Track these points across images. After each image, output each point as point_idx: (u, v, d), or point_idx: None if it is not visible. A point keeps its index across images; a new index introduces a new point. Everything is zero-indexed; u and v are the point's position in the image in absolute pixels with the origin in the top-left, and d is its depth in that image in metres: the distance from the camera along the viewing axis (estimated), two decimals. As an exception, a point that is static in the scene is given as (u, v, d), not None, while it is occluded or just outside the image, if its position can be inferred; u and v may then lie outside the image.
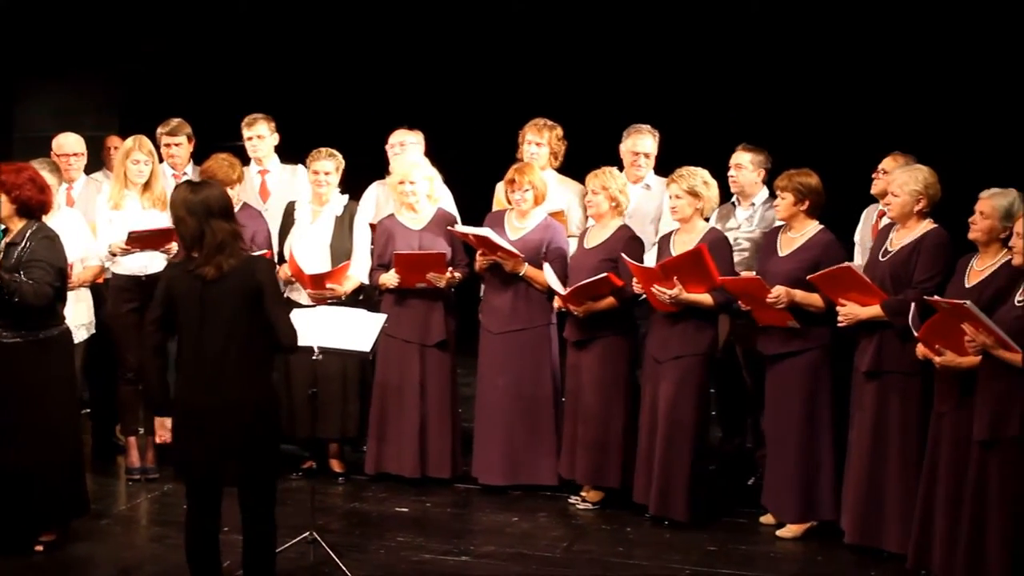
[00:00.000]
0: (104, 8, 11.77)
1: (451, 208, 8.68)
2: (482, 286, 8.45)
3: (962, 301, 6.26)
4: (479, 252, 8.28)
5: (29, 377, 6.97)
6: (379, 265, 8.45)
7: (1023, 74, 10.06)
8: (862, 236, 8.19)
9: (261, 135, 9.04)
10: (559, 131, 8.66)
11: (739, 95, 11.14)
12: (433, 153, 8.88)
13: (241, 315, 5.87)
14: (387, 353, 8.28)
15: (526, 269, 8.13)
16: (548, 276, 8.04)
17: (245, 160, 9.06)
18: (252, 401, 5.92)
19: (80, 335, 8.12)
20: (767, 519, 7.70)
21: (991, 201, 6.59)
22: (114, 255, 8.23)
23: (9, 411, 6.95)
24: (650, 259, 7.90)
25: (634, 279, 7.66)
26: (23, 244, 6.93)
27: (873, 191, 8.05)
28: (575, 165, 8.61)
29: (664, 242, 7.84)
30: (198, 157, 8.74)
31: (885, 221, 7.44)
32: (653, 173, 8.58)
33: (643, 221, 8.33)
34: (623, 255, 7.72)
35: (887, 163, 7.99)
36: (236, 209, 7.79)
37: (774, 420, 7.54)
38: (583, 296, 7.89)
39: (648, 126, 8.58)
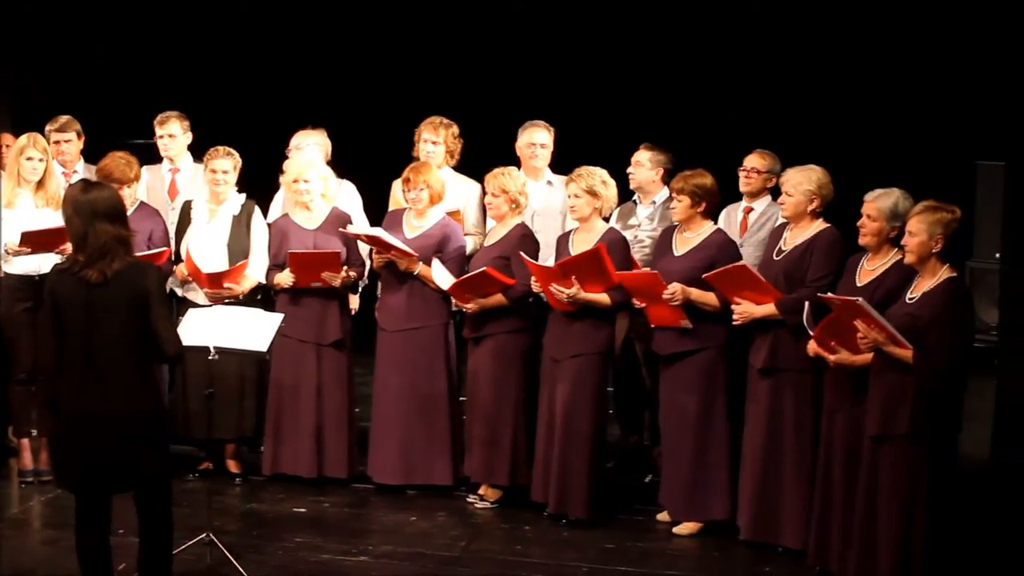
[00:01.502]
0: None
1: (354, 202, 8.66)
2: (379, 284, 8.43)
3: (855, 298, 6.37)
4: (374, 251, 8.27)
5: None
6: (274, 265, 8.40)
7: (913, 75, 10.26)
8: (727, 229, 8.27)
9: (172, 134, 8.97)
10: (455, 129, 8.66)
11: (643, 94, 11.22)
12: (334, 152, 8.84)
13: (127, 321, 5.81)
14: (283, 353, 8.23)
15: (420, 268, 8.13)
16: (435, 272, 8.05)
17: (158, 158, 8.98)
18: (137, 408, 5.86)
19: (-30, 336, 8.01)
20: (664, 516, 7.77)
21: (876, 204, 6.71)
22: (9, 254, 8.11)
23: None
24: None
25: (532, 277, 7.69)
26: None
27: (742, 189, 8.15)
28: (473, 162, 8.62)
29: (563, 241, 7.88)
30: (98, 155, 8.61)
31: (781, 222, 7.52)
32: (551, 171, 8.60)
33: (552, 217, 8.33)
34: (520, 253, 7.75)
35: (752, 160, 8.11)
36: (132, 208, 7.76)
37: (669, 419, 7.61)
38: (468, 291, 7.92)
39: (543, 121, 8.61)
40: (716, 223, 7.69)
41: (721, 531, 7.52)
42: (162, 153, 9.02)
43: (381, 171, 8.84)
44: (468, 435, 8.21)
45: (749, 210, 8.11)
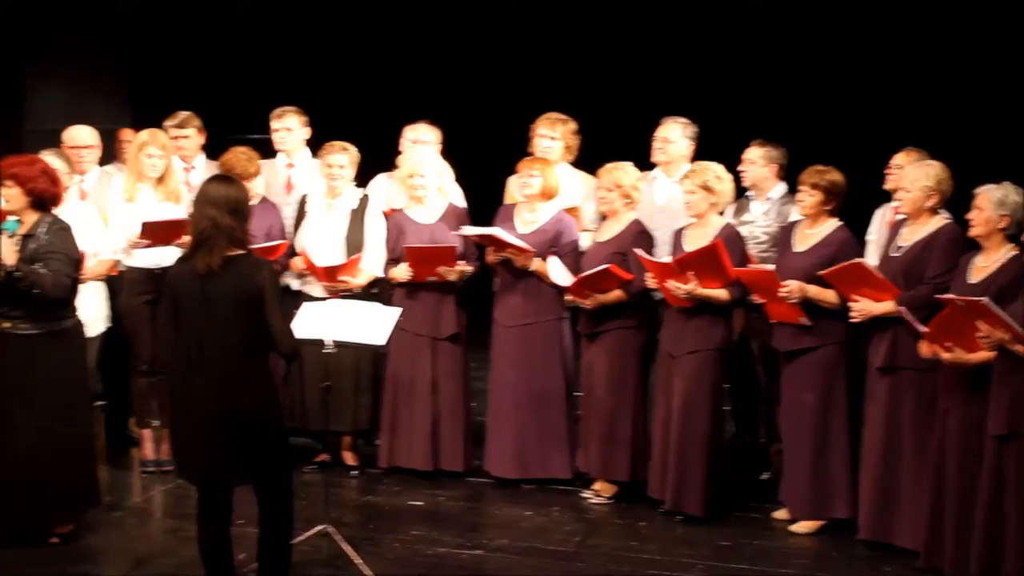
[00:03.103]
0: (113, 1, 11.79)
1: (460, 203, 8.68)
2: (496, 280, 8.44)
3: (979, 298, 6.25)
4: (489, 249, 8.28)
5: (43, 368, 6.97)
6: (390, 259, 8.45)
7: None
8: (878, 235, 8.18)
9: (289, 127, 9.01)
10: (572, 125, 8.63)
11: (756, 90, 11.15)
12: (446, 147, 8.87)
13: (239, 315, 5.88)
14: (399, 347, 8.25)
15: (536, 264, 8.13)
16: (552, 269, 8.05)
17: (274, 153, 9.08)
18: (253, 402, 5.93)
19: (95, 328, 8.15)
20: (780, 514, 7.70)
21: (986, 194, 6.61)
22: (129, 248, 8.23)
23: (24, 402, 6.97)
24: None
25: (648, 273, 7.66)
26: (39, 236, 6.94)
27: (886, 187, 8.05)
28: (592, 159, 8.60)
29: (677, 237, 7.84)
30: (217, 150, 8.71)
31: (900, 217, 7.43)
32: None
33: (676, 213, 8.27)
34: (636, 250, 7.72)
35: (899, 158, 7.99)
36: (251, 203, 7.84)
37: (789, 416, 7.54)
38: (588, 288, 7.90)
39: (683, 118, 8.53)
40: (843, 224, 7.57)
41: (839, 530, 7.43)
42: (277, 147, 9.08)
43: (496, 169, 8.85)
44: (583, 430, 8.19)
45: (897, 210, 7.95)
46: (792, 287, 7.27)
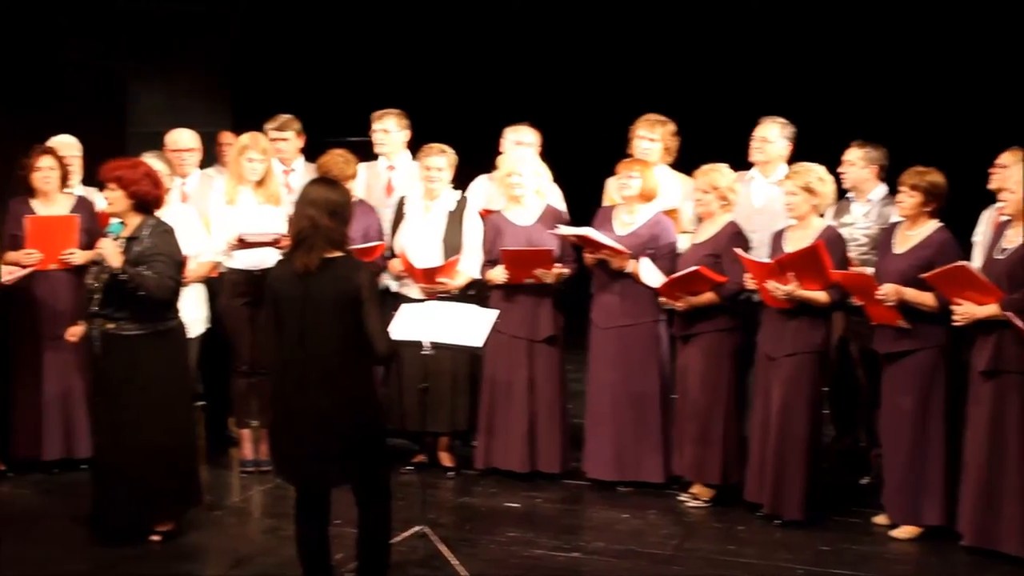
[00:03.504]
0: (218, 3, 11.90)
1: (559, 205, 8.67)
2: (593, 282, 8.41)
3: None
4: (586, 250, 8.26)
5: (147, 368, 7.05)
6: (487, 261, 8.46)
7: None
8: (984, 236, 8.04)
9: (387, 129, 9.04)
10: (672, 126, 8.60)
11: (856, 90, 11.04)
12: (546, 149, 8.87)
13: (338, 316, 5.90)
14: (496, 348, 8.24)
15: (632, 265, 8.09)
16: (643, 270, 8.01)
17: (376, 155, 9.12)
18: (352, 403, 5.95)
19: (195, 329, 8.23)
20: (881, 519, 7.61)
21: None
22: (229, 251, 8.31)
23: (128, 402, 7.05)
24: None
25: (748, 274, 7.60)
26: (143, 238, 7.02)
27: (990, 187, 7.92)
28: (688, 160, 8.55)
29: (777, 238, 7.77)
30: (316, 153, 8.77)
31: (1004, 219, 7.31)
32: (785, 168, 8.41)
33: (773, 215, 8.17)
34: (737, 250, 7.67)
35: (1005, 158, 7.84)
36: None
37: (888, 419, 7.44)
38: (679, 290, 7.86)
39: (781, 118, 8.47)
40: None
41: (942, 536, 7.32)
42: (376, 149, 9.11)
43: (595, 170, 8.83)
44: (678, 433, 8.15)
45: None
46: (888, 290, 7.18)
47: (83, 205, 8.47)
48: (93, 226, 8.20)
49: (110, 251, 6.94)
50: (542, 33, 12.22)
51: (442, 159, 8.48)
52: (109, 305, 7.03)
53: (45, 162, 8.36)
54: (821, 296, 7.43)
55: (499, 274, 8.32)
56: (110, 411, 7.12)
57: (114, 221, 7.09)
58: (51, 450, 8.46)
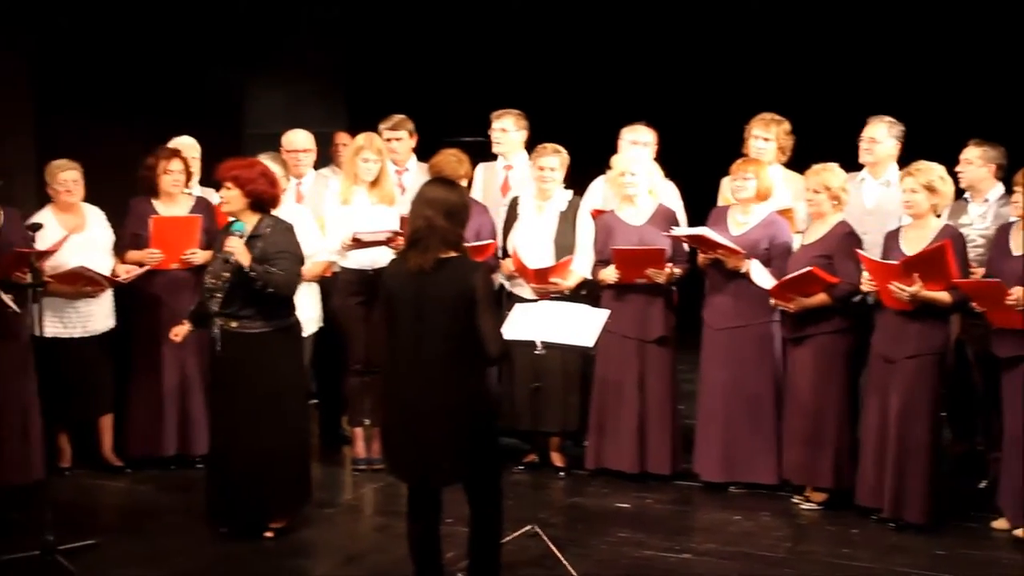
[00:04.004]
0: (333, 4, 12.01)
1: (677, 203, 8.64)
2: (706, 282, 8.37)
3: None
4: (700, 250, 8.22)
5: (267, 366, 7.15)
6: (599, 261, 8.45)
7: None
8: None
9: (505, 128, 9.07)
10: (787, 126, 8.54)
11: (969, 88, 10.87)
12: (661, 148, 8.84)
13: (452, 316, 5.91)
14: (607, 348, 8.20)
15: (746, 266, 8.04)
16: (754, 271, 7.95)
17: (494, 155, 9.17)
18: (464, 402, 5.96)
19: (309, 328, 8.30)
20: (1000, 524, 7.47)
21: None
22: (343, 250, 8.37)
23: (247, 400, 7.15)
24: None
25: (866, 274, 7.51)
26: (264, 236, 7.12)
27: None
28: (798, 160, 8.48)
29: (891, 238, 7.65)
30: (431, 153, 8.81)
31: None
32: (895, 169, 8.31)
33: (884, 216, 8.10)
34: (858, 251, 7.58)
35: None
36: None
37: (1011, 423, 7.31)
38: (791, 291, 7.78)
39: (889, 117, 8.36)
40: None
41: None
42: (494, 148, 9.14)
43: (710, 169, 8.78)
44: (787, 435, 8.07)
45: None
46: (1019, 295, 7.04)
47: (202, 205, 8.60)
48: (212, 226, 8.32)
49: (239, 249, 7.04)
50: (659, 32, 12.19)
51: (555, 159, 8.49)
52: (232, 304, 7.14)
53: (175, 165, 8.50)
54: (944, 297, 7.29)
55: (611, 274, 8.30)
56: (229, 409, 7.22)
57: (236, 220, 7.18)
58: (169, 447, 8.60)
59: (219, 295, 7.16)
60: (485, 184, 9.08)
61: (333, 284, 8.71)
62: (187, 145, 8.92)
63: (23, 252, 7.43)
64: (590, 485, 8.40)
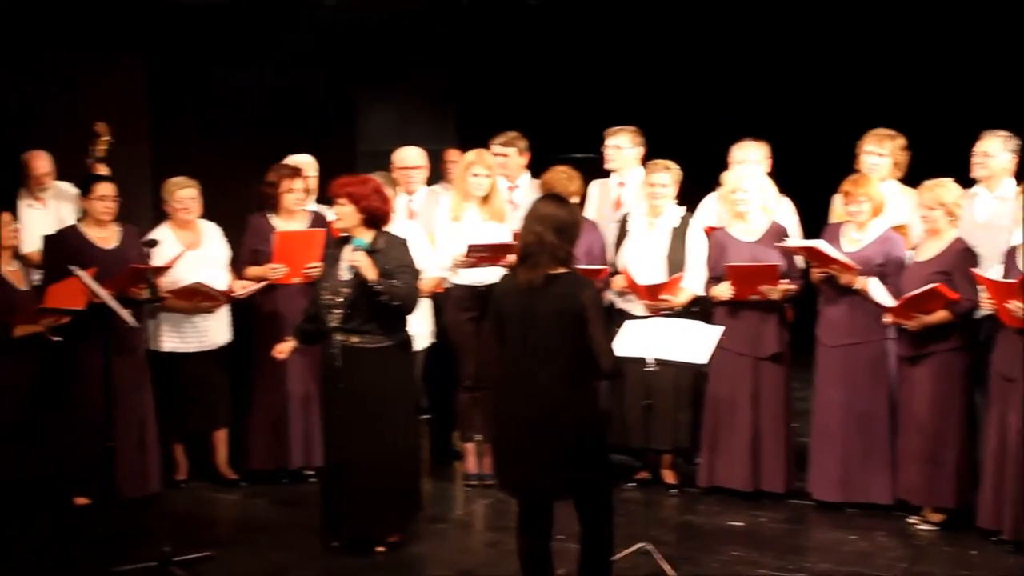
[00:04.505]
0: (444, 23, 12.07)
1: (791, 219, 8.56)
2: (820, 298, 8.28)
3: None
4: (813, 264, 8.14)
5: (383, 381, 7.21)
6: (711, 278, 8.39)
7: None
8: None
9: (619, 145, 9.05)
10: (901, 141, 8.43)
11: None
12: (773, 165, 8.77)
13: (562, 332, 5.91)
14: (720, 365, 8.17)
15: (860, 282, 7.94)
16: (873, 289, 7.85)
17: (607, 172, 9.16)
18: (576, 418, 5.95)
19: (421, 343, 8.34)
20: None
21: None
22: (455, 267, 8.40)
23: (364, 415, 7.19)
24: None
25: (984, 293, 7.38)
26: (382, 251, 7.18)
27: None
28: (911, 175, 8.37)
29: (1010, 255, 7.51)
30: (541, 169, 8.82)
31: None
32: (1012, 184, 8.15)
33: (999, 231, 7.98)
34: (974, 271, 7.46)
35: None
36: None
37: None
38: (913, 309, 7.66)
39: (1004, 132, 8.22)
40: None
41: None
42: (607, 165, 9.13)
43: (821, 185, 8.68)
44: (904, 454, 7.94)
45: None
46: None
47: (319, 221, 8.68)
48: (329, 242, 8.38)
49: (365, 264, 7.10)
50: (771, 49, 12.11)
51: (666, 175, 8.46)
52: (354, 318, 7.20)
53: (297, 183, 8.59)
54: (1065, 316, 7.15)
55: (724, 290, 8.24)
56: (344, 423, 7.26)
57: (358, 237, 7.23)
58: (288, 460, 8.69)
59: (339, 311, 7.21)
60: (598, 200, 9.06)
61: (445, 300, 8.75)
62: (306, 163, 9.01)
63: (140, 268, 7.56)
64: (702, 503, 8.34)
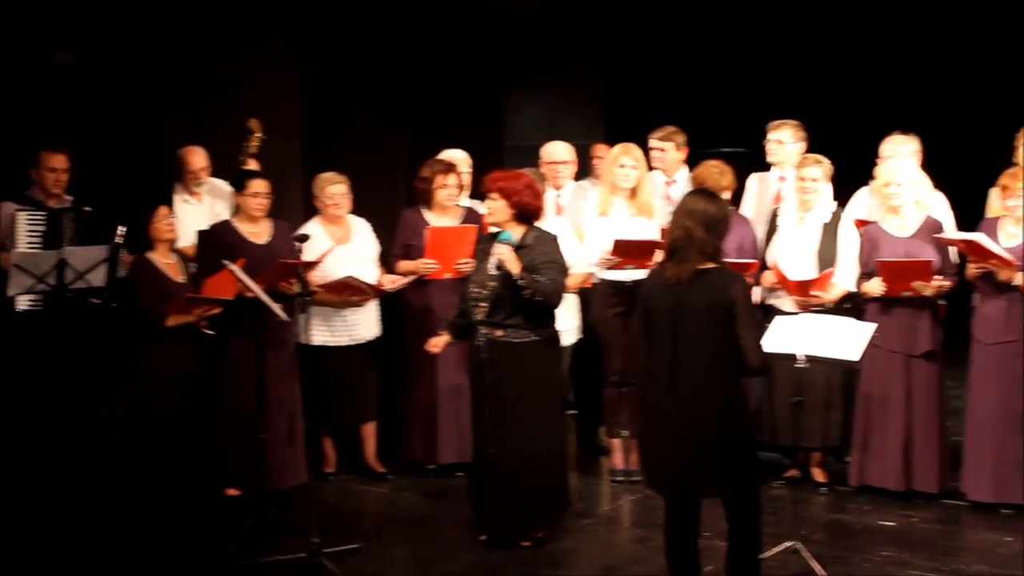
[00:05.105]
0: (594, 17, 12.06)
1: (945, 213, 8.40)
2: (975, 295, 8.11)
3: None
4: (970, 259, 7.97)
5: (530, 376, 7.23)
6: (863, 273, 8.26)
7: None
8: None
9: (781, 140, 8.92)
10: (1063, 132, 8.25)
11: None
12: (926, 158, 8.61)
13: (710, 328, 5.87)
14: (872, 363, 8.01)
15: (1020, 278, 7.75)
16: None
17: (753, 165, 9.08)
18: (724, 414, 5.90)
19: (568, 338, 8.34)
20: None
21: None
22: (603, 264, 8.37)
23: (511, 409, 7.22)
24: None
25: None
26: (531, 247, 7.19)
27: None
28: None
29: None
30: (692, 164, 8.77)
31: None
32: None
33: None
34: None
35: None
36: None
37: None
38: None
39: None
40: None
41: None
42: (769, 158, 9.02)
43: (976, 180, 8.51)
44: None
45: None
46: None
47: (472, 216, 8.72)
48: (480, 237, 8.41)
49: (509, 258, 7.14)
50: (923, 39, 11.90)
51: (817, 170, 8.35)
52: (498, 313, 7.23)
53: (451, 179, 8.65)
54: None
55: (876, 286, 8.11)
56: (493, 418, 7.29)
57: (505, 231, 7.26)
58: (441, 455, 8.75)
59: (484, 304, 7.25)
60: (757, 195, 8.97)
61: (592, 295, 8.74)
62: (460, 159, 9.05)
63: (290, 263, 7.65)
64: (853, 502, 8.22)
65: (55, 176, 8.17)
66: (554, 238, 7.34)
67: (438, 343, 7.63)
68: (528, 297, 7.10)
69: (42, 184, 8.18)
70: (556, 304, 7.24)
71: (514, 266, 7.11)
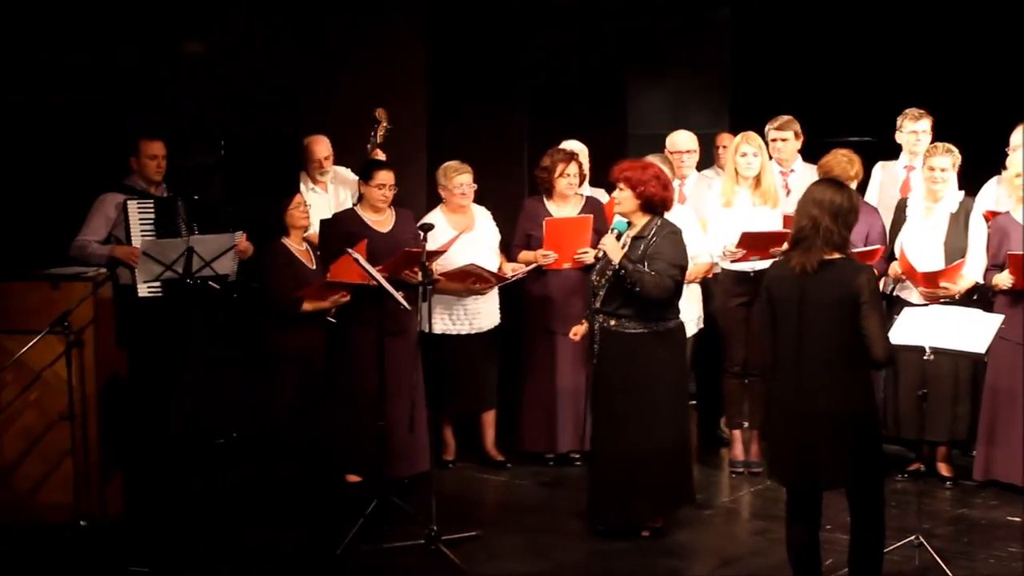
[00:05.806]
0: (719, 4, 11.98)
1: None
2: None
3: None
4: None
5: (644, 367, 7.20)
6: (992, 265, 8.12)
7: None
8: None
9: (924, 131, 8.82)
10: None
11: None
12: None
13: (836, 319, 5.82)
14: (999, 356, 7.89)
15: None
16: None
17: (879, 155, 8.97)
18: (849, 406, 5.85)
19: (690, 329, 8.29)
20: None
21: None
22: (727, 257, 8.32)
23: (625, 399, 7.21)
24: None
25: None
26: (649, 238, 7.17)
27: None
28: None
29: None
30: (817, 154, 8.67)
31: None
32: None
33: None
34: None
35: None
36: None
37: None
38: None
39: None
40: None
41: None
42: (908, 148, 8.90)
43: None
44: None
45: None
46: None
47: (592, 205, 8.71)
48: (602, 226, 8.39)
49: (611, 247, 7.15)
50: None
51: (947, 159, 8.22)
52: (611, 302, 7.23)
53: (572, 168, 8.65)
54: None
55: (1005, 279, 7.96)
56: (608, 407, 7.30)
57: (619, 219, 7.26)
58: (560, 444, 8.76)
59: (601, 292, 7.25)
60: (883, 184, 8.86)
61: (714, 285, 8.70)
62: (580, 150, 9.04)
63: (414, 252, 7.70)
64: (978, 496, 8.11)
65: (156, 163, 8.28)
66: (676, 231, 7.28)
67: (579, 331, 7.65)
68: (629, 286, 7.07)
69: (143, 172, 8.28)
70: (657, 296, 7.12)
71: (615, 254, 7.11)
